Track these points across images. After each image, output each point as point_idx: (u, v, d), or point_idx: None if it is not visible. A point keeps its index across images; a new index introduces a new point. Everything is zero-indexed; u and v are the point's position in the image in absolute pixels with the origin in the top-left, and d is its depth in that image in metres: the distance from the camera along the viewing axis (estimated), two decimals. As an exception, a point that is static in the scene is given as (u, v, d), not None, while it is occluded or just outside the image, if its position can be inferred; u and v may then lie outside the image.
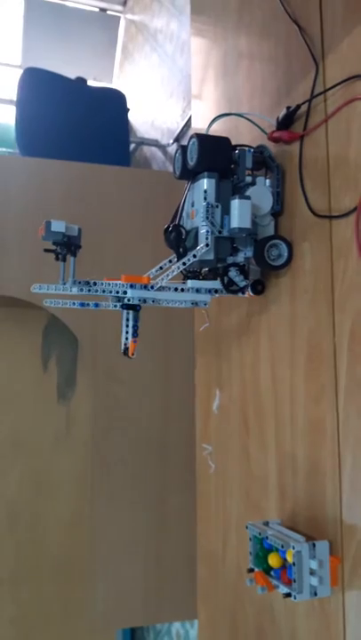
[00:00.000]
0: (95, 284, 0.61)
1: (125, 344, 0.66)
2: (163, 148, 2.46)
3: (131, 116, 2.52)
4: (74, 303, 0.65)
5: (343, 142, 0.56)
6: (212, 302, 0.80)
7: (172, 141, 2.31)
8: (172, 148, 2.34)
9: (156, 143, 2.53)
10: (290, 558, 0.55)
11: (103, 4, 3.14)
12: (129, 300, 0.61)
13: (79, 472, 1.47)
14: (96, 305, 0.64)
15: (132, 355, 0.64)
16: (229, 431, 0.78)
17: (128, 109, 2.29)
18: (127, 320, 0.65)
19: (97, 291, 0.62)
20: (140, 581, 1.38)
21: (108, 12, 3.15)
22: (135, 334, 0.64)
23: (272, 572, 0.59)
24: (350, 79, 0.55)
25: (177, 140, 2.28)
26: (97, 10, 3.14)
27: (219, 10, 0.89)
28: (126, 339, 0.66)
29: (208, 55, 0.92)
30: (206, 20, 0.94)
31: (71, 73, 2.21)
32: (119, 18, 3.16)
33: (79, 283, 0.61)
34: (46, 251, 0.64)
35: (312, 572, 0.55)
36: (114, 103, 2.14)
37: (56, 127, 1.94)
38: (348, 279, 0.55)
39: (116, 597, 1.36)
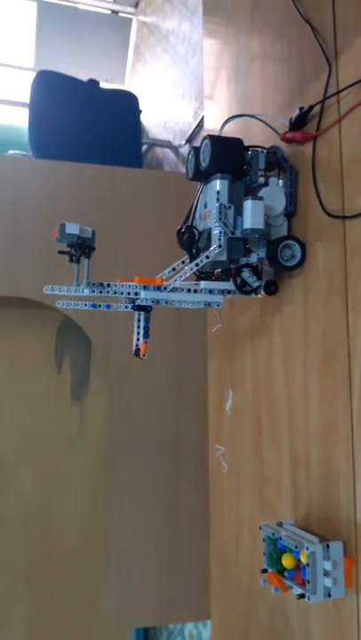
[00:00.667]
0: (109, 285, 0.62)
1: (137, 345, 0.66)
2: (175, 149, 2.46)
3: (143, 118, 2.53)
4: (86, 304, 0.65)
5: (356, 143, 0.56)
6: (225, 303, 0.81)
7: (184, 142, 2.32)
8: (185, 149, 2.34)
9: (168, 144, 2.54)
10: (304, 559, 0.55)
11: (115, 7, 3.15)
12: (141, 302, 0.61)
13: (92, 472, 1.47)
14: (108, 306, 0.65)
15: (144, 356, 0.65)
16: (242, 432, 0.78)
17: (140, 111, 2.30)
18: (138, 321, 0.66)
19: (110, 292, 0.62)
20: (154, 581, 1.38)
21: (120, 15, 3.16)
22: (146, 335, 0.64)
23: (286, 573, 0.59)
24: (364, 79, 0.55)
25: (189, 141, 2.28)
26: (109, 12, 3.16)
27: (231, 11, 0.89)
28: (137, 340, 0.66)
29: (220, 56, 0.93)
30: (219, 21, 0.94)
31: (83, 75, 2.22)
32: (131, 20, 3.18)
33: (93, 284, 0.61)
34: (60, 253, 0.65)
35: (326, 573, 0.54)
36: (126, 105, 2.15)
37: (69, 129, 1.95)
38: (361, 280, 0.55)
39: (128, 597, 1.37)
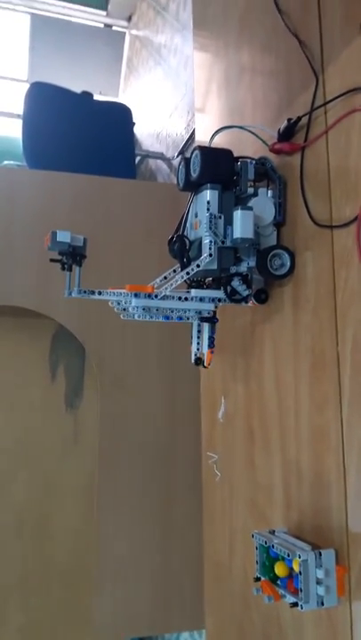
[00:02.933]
0: (100, 293, 0.62)
1: (196, 354, 0.71)
2: (168, 160, 2.48)
3: (136, 130, 2.55)
4: (159, 317, 0.66)
5: (343, 153, 0.57)
6: (217, 312, 0.81)
7: (176, 154, 2.33)
8: (177, 161, 2.35)
9: (161, 156, 2.55)
10: (296, 567, 0.55)
11: (108, 20, 3.18)
12: (134, 309, 0.61)
13: (86, 481, 1.47)
14: (180, 318, 0.67)
15: (209, 365, 0.69)
16: (235, 439, 0.78)
17: (134, 123, 2.31)
18: (198, 332, 0.70)
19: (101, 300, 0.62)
20: (148, 590, 1.38)
21: (114, 28, 3.20)
22: (212, 345, 0.67)
23: (279, 582, 0.59)
24: (350, 92, 0.56)
25: (182, 152, 2.29)
26: (102, 26, 3.19)
27: (220, 24, 0.90)
28: (197, 349, 0.70)
29: (211, 69, 0.94)
30: (209, 35, 0.96)
31: (77, 87, 2.24)
32: (124, 33, 3.21)
33: (84, 292, 0.62)
34: (52, 261, 0.65)
35: (319, 582, 0.54)
36: (119, 116, 2.17)
37: (62, 140, 1.97)
38: (349, 288, 0.56)
39: (123, 606, 1.36)
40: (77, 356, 1.55)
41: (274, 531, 0.63)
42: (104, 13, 3.14)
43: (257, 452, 0.72)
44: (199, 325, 0.70)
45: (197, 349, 0.71)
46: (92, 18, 3.16)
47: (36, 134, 1.96)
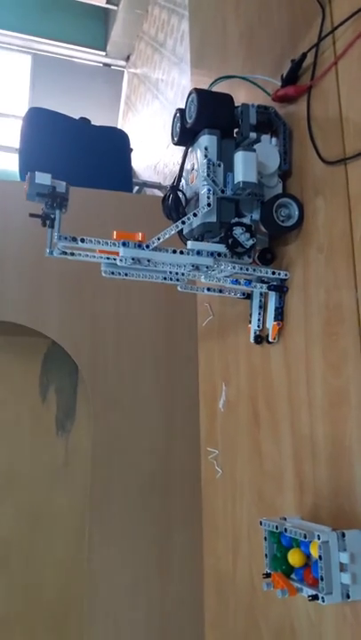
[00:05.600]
0: (83, 240, 0.55)
1: (256, 332, 0.65)
2: (165, 189, 2.47)
3: (134, 162, 2.56)
4: (220, 291, 0.64)
5: (357, 84, 0.52)
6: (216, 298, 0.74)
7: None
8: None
9: (158, 185, 2.55)
10: (315, 552, 0.46)
11: (107, 60, 3.25)
12: (123, 260, 0.54)
13: (77, 507, 1.35)
14: (248, 283, 0.60)
15: (274, 339, 0.61)
16: (238, 428, 0.69)
17: (131, 149, 2.31)
18: (260, 307, 0.64)
19: (86, 255, 0.55)
20: (143, 627, 1.24)
21: (112, 67, 3.27)
22: (279, 317, 0.60)
23: (293, 575, 0.49)
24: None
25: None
26: (101, 65, 3.26)
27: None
28: (258, 326, 0.64)
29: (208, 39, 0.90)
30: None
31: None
32: (122, 72, 3.27)
33: (65, 238, 0.54)
34: (32, 215, 0.58)
35: (343, 568, 0.45)
36: (117, 140, 2.16)
37: (59, 161, 1.94)
38: (368, 223, 0.49)
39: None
40: (69, 376, 1.47)
41: (285, 518, 0.53)
42: (103, 53, 3.22)
43: (263, 437, 0.63)
44: (261, 300, 0.64)
45: (258, 326, 0.64)
46: (92, 58, 3.23)
47: (33, 154, 1.94)
